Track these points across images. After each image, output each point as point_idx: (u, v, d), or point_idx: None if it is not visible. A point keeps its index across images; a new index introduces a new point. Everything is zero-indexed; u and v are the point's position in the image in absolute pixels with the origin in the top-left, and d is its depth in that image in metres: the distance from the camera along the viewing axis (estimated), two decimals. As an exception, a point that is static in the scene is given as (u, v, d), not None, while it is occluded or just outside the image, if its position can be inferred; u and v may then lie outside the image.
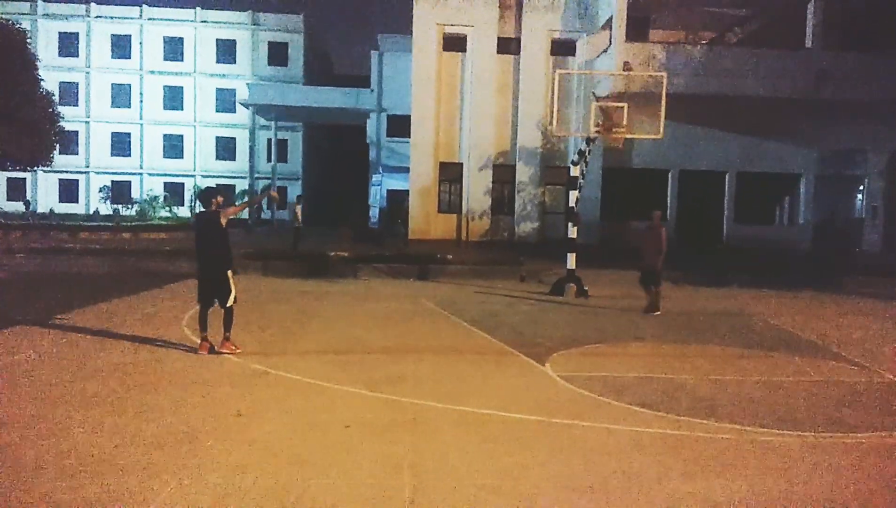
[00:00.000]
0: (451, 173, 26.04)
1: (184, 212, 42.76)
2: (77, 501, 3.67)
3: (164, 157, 47.06)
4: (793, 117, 24.22)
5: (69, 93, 45.06)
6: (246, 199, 41.67)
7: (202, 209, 7.42)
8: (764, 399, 6.12)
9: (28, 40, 28.69)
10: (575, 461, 4.49)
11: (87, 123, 46.20)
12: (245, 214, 42.12)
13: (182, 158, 47.18)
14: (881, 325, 10.77)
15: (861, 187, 26.24)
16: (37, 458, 4.26)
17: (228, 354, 7.24)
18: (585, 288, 13.13)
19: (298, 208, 19.68)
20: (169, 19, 46.64)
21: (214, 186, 7.38)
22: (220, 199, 7.32)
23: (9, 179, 43.57)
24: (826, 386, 6.68)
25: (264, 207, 43.07)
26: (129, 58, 46.49)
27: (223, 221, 7.19)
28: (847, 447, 4.92)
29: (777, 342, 9.07)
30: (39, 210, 44.29)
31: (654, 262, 11.07)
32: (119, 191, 45.48)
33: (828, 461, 4.62)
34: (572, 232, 13.72)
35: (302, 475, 4.14)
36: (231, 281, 7.26)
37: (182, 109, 47.02)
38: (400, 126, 33.28)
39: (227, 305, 7.23)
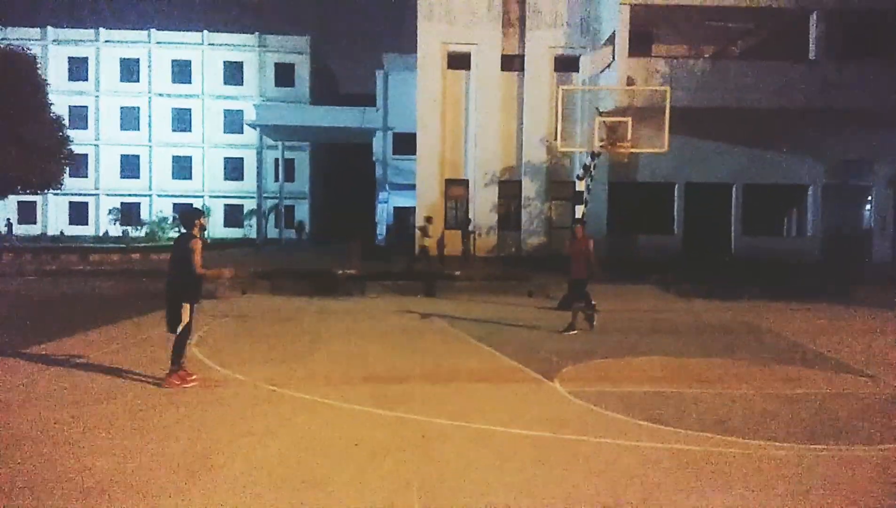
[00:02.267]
0: (457, 190, 26.12)
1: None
2: (88, 523, 3.69)
3: (173, 178, 47.49)
4: (798, 128, 24.23)
5: (79, 116, 45.63)
6: (254, 218, 41.92)
7: (183, 231, 7.00)
8: (775, 413, 6.07)
9: (38, 65, 29.10)
10: (585, 477, 4.47)
11: (96, 145, 46.71)
12: (253, 232, 42.44)
13: (191, 179, 47.59)
14: (893, 336, 10.68)
15: (869, 197, 26.13)
16: (47, 479, 4.28)
17: (170, 387, 6.65)
18: (593, 303, 13.07)
19: (430, 227, 19.85)
20: (177, 42, 47.26)
21: (197, 207, 6.64)
22: (202, 221, 6.97)
23: (20, 202, 44.02)
24: (838, 398, 6.62)
25: (271, 223, 43.31)
26: (138, 81, 47.09)
27: (194, 250, 6.64)
28: (860, 459, 4.87)
29: (787, 354, 9.01)
30: (50, 233, 44.71)
31: (581, 274, 10.75)
32: (128, 213, 45.88)
33: (841, 474, 4.57)
34: (579, 247, 13.68)
35: (312, 493, 4.13)
36: (184, 312, 6.74)
37: (190, 131, 47.51)
38: (406, 144, 33.45)
39: (177, 331, 6.73)
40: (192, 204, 46.09)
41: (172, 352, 6.81)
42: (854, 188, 26.15)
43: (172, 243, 7.17)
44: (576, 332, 10.47)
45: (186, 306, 6.78)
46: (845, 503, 4.10)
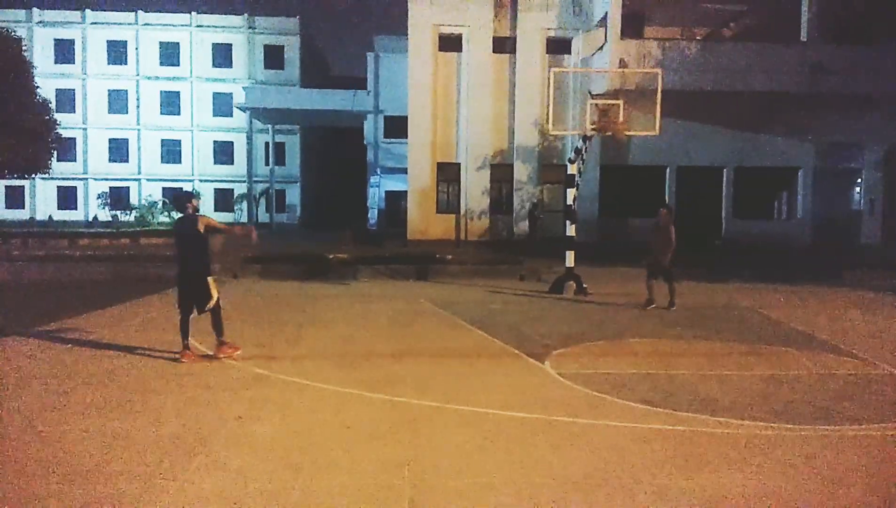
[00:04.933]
0: (448, 173, 26.05)
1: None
2: (78, 506, 3.68)
3: (162, 162, 47.06)
4: (789, 111, 24.23)
5: (66, 100, 45.06)
6: (245, 202, 41.70)
7: (180, 215, 7.28)
8: (764, 394, 6.13)
9: (24, 48, 28.69)
10: (575, 458, 4.50)
11: (84, 129, 46.18)
12: (243, 217, 42.21)
13: (180, 163, 47.18)
14: (880, 317, 10.78)
15: (859, 180, 26.25)
16: (38, 464, 4.27)
17: (226, 357, 7.18)
18: (584, 286, 13.15)
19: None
20: (164, 24, 46.59)
21: (190, 190, 7.42)
22: (194, 202, 7.19)
23: (7, 187, 43.57)
24: (826, 379, 6.69)
25: (262, 208, 43.10)
26: (126, 64, 46.46)
27: (200, 227, 7.00)
28: (847, 439, 4.93)
29: (776, 336, 9.08)
30: (38, 218, 44.32)
31: (663, 258, 11.28)
32: (117, 197, 45.49)
33: (828, 454, 4.62)
34: (571, 230, 13.73)
35: (303, 476, 4.14)
36: (211, 287, 7.08)
37: (179, 114, 47.00)
38: (397, 127, 33.26)
39: (207, 308, 7.08)
40: (181, 188, 45.78)
41: (214, 326, 7.20)
42: (844, 171, 26.26)
43: (174, 228, 7.38)
44: (654, 306, 11.18)
45: (211, 280, 7.11)
46: (831, 483, 4.15)
